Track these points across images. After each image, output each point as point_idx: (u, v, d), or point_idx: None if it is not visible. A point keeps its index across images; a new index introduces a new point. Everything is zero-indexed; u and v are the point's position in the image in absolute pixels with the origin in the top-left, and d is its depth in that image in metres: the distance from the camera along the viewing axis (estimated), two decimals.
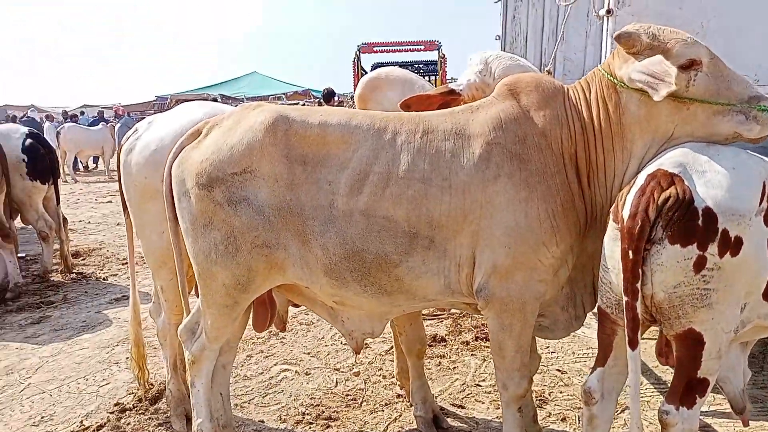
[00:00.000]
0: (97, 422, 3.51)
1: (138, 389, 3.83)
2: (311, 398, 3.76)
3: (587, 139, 2.48)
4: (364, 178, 2.42)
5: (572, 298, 2.69)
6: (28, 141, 6.12)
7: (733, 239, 1.91)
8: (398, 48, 17.10)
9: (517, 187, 2.38)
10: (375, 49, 16.95)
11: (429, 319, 4.96)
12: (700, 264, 1.93)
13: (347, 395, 3.78)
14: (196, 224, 2.54)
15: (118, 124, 16.74)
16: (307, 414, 3.57)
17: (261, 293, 2.72)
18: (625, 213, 2.03)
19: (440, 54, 16.83)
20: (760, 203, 1.97)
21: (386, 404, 3.66)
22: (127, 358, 4.44)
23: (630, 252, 1.97)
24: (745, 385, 2.37)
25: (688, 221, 1.92)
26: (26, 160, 6.00)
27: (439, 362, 4.19)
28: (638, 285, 1.97)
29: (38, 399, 3.87)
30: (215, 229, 2.50)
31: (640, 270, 1.97)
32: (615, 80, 2.41)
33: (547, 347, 4.33)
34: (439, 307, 4.41)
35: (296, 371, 4.14)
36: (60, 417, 3.63)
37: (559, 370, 4.00)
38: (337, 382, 3.96)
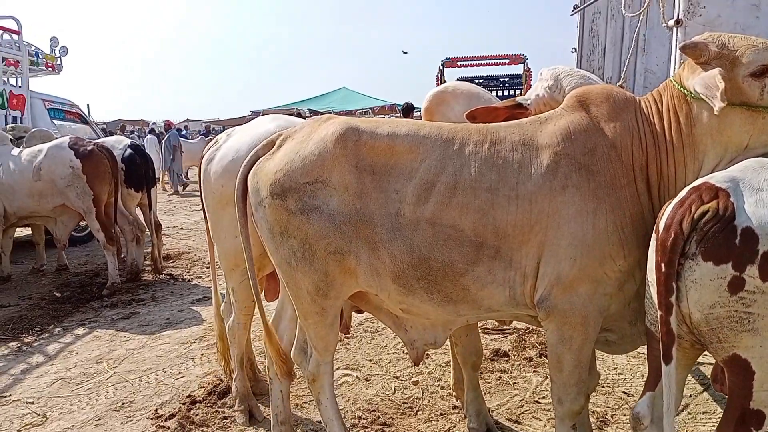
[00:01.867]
0: (169, 411, 3.76)
1: (208, 383, 4.08)
2: (369, 403, 3.83)
3: (659, 150, 2.43)
4: (431, 188, 2.46)
5: (641, 313, 2.62)
6: (128, 152, 6.70)
7: None
8: (482, 62, 17.06)
9: (585, 198, 2.36)
10: (459, 63, 17.01)
11: (493, 334, 4.92)
12: (736, 285, 1.82)
13: (404, 403, 3.83)
14: (273, 233, 2.62)
15: (166, 137, 17.78)
16: (363, 418, 3.64)
17: (344, 299, 2.76)
18: (661, 224, 1.97)
19: (525, 67, 16.63)
20: None
21: (441, 414, 3.67)
22: (202, 354, 4.74)
23: (663, 265, 1.91)
24: None
25: (724, 238, 1.83)
26: (124, 168, 6.55)
27: (500, 377, 4.14)
28: (672, 299, 1.89)
29: (121, 387, 4.21)
30: (291, 237, 2.58)
31: (674, 284, 1.89)
32: (685, 91, 2.35)
33: (615, 368, 4.18)
34: (503, 319, 4.37)
35: (357, 377, 4.23)
36: (138, 404, 3.93)
37: (624, 392, 3.84)
38: (395, 390, 4.02)
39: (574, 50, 5.43)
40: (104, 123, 28.17)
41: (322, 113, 25.95)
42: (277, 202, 2.58)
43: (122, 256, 7.84)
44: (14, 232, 6.94)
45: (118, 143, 6.78)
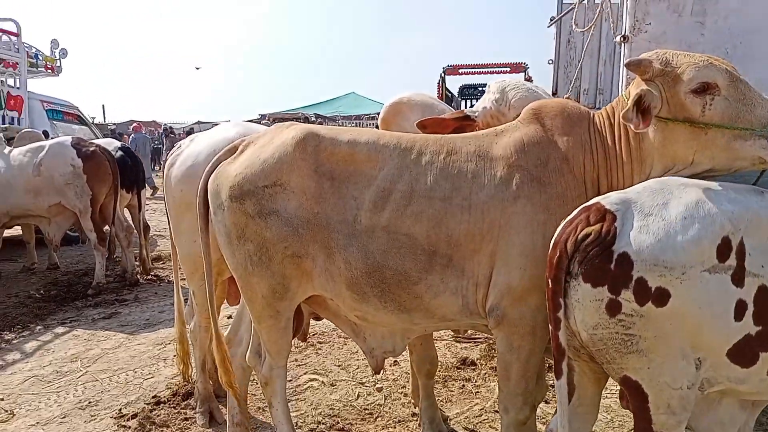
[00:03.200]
0: (133, 411, 3.82)
1: (175, 384, 4.14)
2: (330, 409, 3.87)
3: (609, 165, 2.48)
4: (387, 196, 2.50)
5: None
6: (119, 154, 6.80)
7: (653, 290, 1.79)
8: (484, 70, 17.08)
9: (537, 210, 2.40)
10: (460, 71, 17.03)
11: (464, 342, 4.94)
12: (613, 307, 1.83)
13: (365, 409, 3.86)
14: (231, 236, 2.66)
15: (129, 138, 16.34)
16: (323, 423, 3.68)
17: (299, 301, 2.79)
18: (552, 241, 1.99)
19: (526, 76, 16.62)
20: (721, 260, 1.81)
21: (400, 421, 3.70)
22: (174, 355, 4.80)
23: (550, 281, 1.93)
24: None
25: (601, 262, 1.84)
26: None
27: (463, 385, 4.17)
28: (560, 315, 1.91)
29: (90, 386, 4.28)
30: (248, 241, 2.61)
31: (561, 300, 1.91)
32: None
33: None
34: (461, 328, 4.40)
35: (323, 381, 4.27)
36: (104, 403, 3.99)
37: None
38: (358, 396, 4.05)
39: (550, 62, 5.47)
40: (115, 124, 28.42)
41: (329, 118, 26.02)
42: (236, 206, 2.61)
43: (115, 256, 7.96)
44: (3, 232, 7.04)
45: (109, 145, 6.89)
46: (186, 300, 3.96)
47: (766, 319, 1.82)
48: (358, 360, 4.66)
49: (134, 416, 3.74)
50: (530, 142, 2.51)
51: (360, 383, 4.25)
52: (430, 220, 2.46)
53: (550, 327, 1.95)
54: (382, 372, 4.36)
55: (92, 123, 11.31)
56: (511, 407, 2.57)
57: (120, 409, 3.87)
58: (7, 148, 6.59)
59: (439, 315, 2.60)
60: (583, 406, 2.19)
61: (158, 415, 3.76)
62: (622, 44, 2.88)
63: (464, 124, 3.11)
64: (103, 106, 33.50)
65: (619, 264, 1.81)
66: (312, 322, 3.55)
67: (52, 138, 7.54)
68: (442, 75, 16.98)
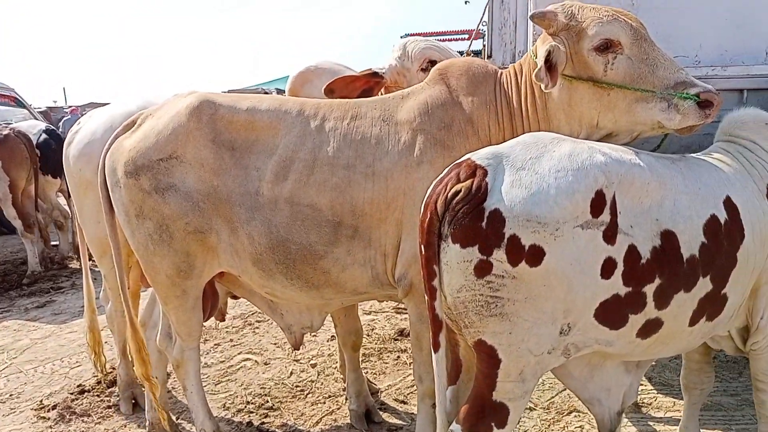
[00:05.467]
0: (54, 402, 3.68)
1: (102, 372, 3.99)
2: (262, 388, 3.78)
3: (515, 126, 2.39)
4: (289, 165, 2.38)
5: None
6: (43, 137, 6.48)
7: (527, 248, 1.68)
8: (441, 38, 16.83)
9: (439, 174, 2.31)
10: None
11: (405, 313, 4.89)
12: (482, 269, 1.71)
13: (296, 386, 3.78)
14: (129, 215, 2.53)
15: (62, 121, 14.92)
16: (252, 403, 3.60)
17: (207, 279, 2.68)
18: (423, 202, 1.88)
19: (484, 43, 16.44)
20: (595, 215, 1.72)
21: (330, 396, 3.64)
22: (105, 342, 4.63)
23: (422, 247, 1.81)
24: (623, 407, 2.11)
25: (471, 220, 1.71)
26: (39, 155, 6.35)
27: (398, 356, 4.12)
28: (435, 283, 1.80)
29: (14, 377, 4.11)
30: (147, 219, 2.48)
31: (434, 267, 1.79)
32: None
33: None
34: (379, 300, 4.34)
35: (257, 361, 4.18)
36: (27, 395, 3.84)
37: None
38: (291, 373, 3.97)
39: (484, 24, 5.32)
40: (76, 106, 27.41)
41: None
42: (131, 182, 2.48)
43: (55, 243, 7.68)
44: None
45: (32, 128, 6.56)
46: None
47: (636, 280, 1.76)
48: None
49: (54, 407, 3.61)
50: (434, 104, 2.42)
51: (295, 360, 4.17)
52: (333, 190, 2.35)
53: (426, 297, 1.85)
54: (318, 347, 4.34)
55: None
56: (425, 377, 2.51)
57: (41, 401, 3.73)
58: None
59: (350, 288, 2.51)
60: (473, 381, 2.10)
61: (80, 405, 3.63)
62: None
63: (373, 82, 3.02)
64: (64, 88, 32.23)
65: (490, 221, 1.70)
66: None
67: None
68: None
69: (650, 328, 1.84)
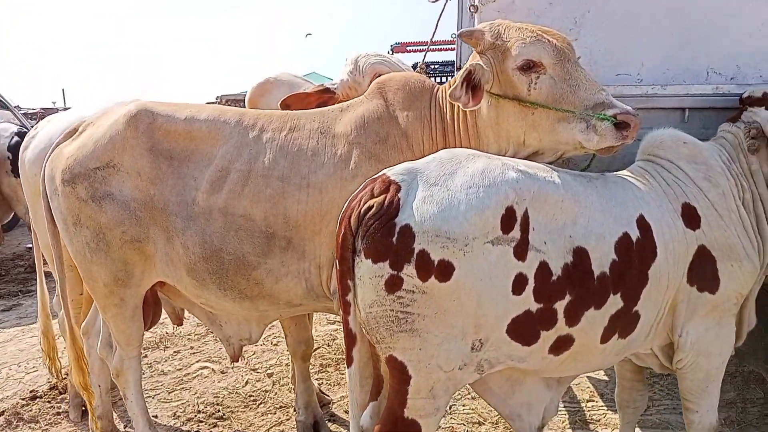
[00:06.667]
0: (3, 407, 3.65)
1: (56, 378, 3.96)
2: (215, 397, 3.76)
3: (448, 141, 2.39)
4: (225, 175, 2.39)
5: None
6: (14, 140, 6.45)
7: (436, 263, 1.69)
8: (432, 47, 16.89)
9: None
10: (408, 48, 16.85)
11: None
12: (393, 284, 1.72)
13: (250, 396, 3.77)
14: (67, 222, 2.53)
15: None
16: (202, 413, 3.58)
17: (146, 288, 2.67)
18: (339, 217, 1.89)
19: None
20: (505, 231, 1.73)
21: (281, 407, 3.62)
22: (65, 347, 4.61)
23: (337, 261, 1.82)
24: (543, 423, 2.11)
25: (382, 235, 1.72)
26: (11, 157, 6.32)
27: None
28: (349, 298, 1.81)
29: None
30: (84, 227, 2.49)
31: (349, 282, 1.80)
32: None
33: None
34: (315, 311, 4.34)
35: (213, 369, 4.16)
36: None
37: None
38: (246, 382, 3.95)
39: (453, 36, 5.33)
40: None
41: None
42: (68, 190, 2.48)
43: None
44: None
45: (4, 131, 6.53)
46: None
47: (547, 297, 1.76)
48: (257, 346, 4.55)
49: (2, 412, 3.58)
50: (371, 118, 2.43)
51: (252, 369, 4.15)
52: (267, 201, 2.35)
53: (340, 312, 1.85)
54: (277, 357, 4.32)
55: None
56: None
57: None
58: None
59: (284, 300, 2.50)
60: None
61: (29, 411, 3.61)
62: (473, 14, 2.79)
63: (326, 97, 3.04)
64: (63, 90, 32.30)
65: (400, 237, 1.71)
66: None
67: None
68: (390, 53, 16.76)
69: (562, 344, 1.84)
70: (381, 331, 1.77)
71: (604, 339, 1.88)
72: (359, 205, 1.78)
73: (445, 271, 1.69)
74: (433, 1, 3.45)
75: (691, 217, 1.96)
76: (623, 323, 1.89)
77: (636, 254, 1.85)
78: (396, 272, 1.71)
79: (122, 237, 2.46)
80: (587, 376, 3.77)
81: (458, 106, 2.38)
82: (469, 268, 1.70)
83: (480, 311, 1.74)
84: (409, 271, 1.70)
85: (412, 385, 1.78)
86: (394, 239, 1.71)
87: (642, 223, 1.88)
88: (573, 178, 1.90)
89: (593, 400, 3.55)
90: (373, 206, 1.75)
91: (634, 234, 1.86)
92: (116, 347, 2.83)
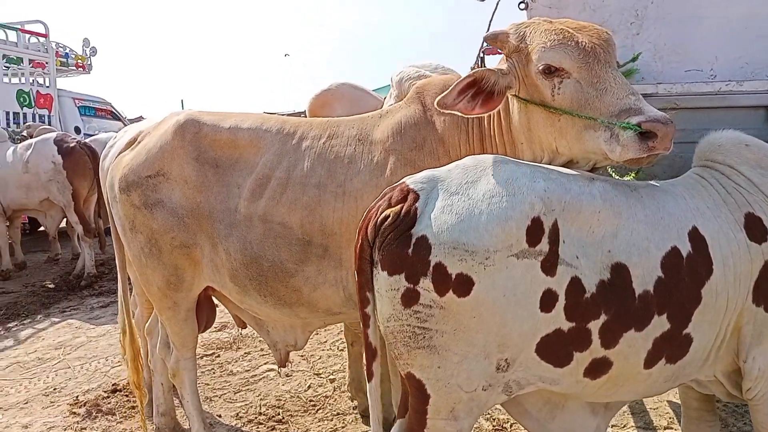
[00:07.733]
0: (88, 399, 3.93)
1: None
2: (277, 400, 3.83)
3: (485, 147, 2.30)
4: (265, 183, 2.44)
5: None
6: None
7: (454, 277, 1.58)
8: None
9: None
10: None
11: None
12: (410, 298, 1.62)
13: (310, 401, 3.80)
14: (125, 229, 2.69)
15: None
16: (263, 414, 3.65)
17: (197, 292, 2.76)
18: (358, 227, 1.80)
19: None
20: (531, 244, 1.59)
21: (338, 414, 3.61)
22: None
23: (356, 273, 1.74)
24: None
25: (398, 247, 1.63)
26: None
27: None
28: (368, 311, 1.72)
29: (62, 372, 4.44)
30: (139, 233, 2.63)
31: (367, 294, 1.72)
32: None
33: None
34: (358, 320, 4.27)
35: (279, 372, 4.24)
36: (68, 390, 4.13)
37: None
38: (309, 387, 4.00)
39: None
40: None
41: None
42: (125, 197, 2.64)
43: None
44: (20, 223, 7.45)
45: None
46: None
47: (579, 315, 1.60)
48: (322, 351, 4.61)
49: (86, 404, 3.84)
50: (408, 123, 2.39)
51: (316, 374, 4.19)
52: (304, 209, 2.37)
53: (361, 325, 1.80)
54: (342, 362, 4.34)
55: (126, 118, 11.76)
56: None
57: (77, 396, 3.99)
58: (11, 146, 6.97)
59: (323, 308, 2.50)
60: None
61: (108, 403, 3.85)
62: (525, 12, 2.64)
63: None
64: (182, 101, 34.65)
65: (417, 249, 1.62)
66: None
67: (84, 134, 7.86)
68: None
69: (598, 367, 1.68)
70: (399, 347, 1.69)
71: (649, 364, 1.69)
72: (377, 214, 1.72)
73: (463, 285, 1.59)
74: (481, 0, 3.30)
75: (755, 228, 1.71)
76: (671, 347, 1.68)
77: (687, 271, 1.64)
78: (412, 285, 1.62)
79: (172, 242, 2.56)
80: (666, 401, 3.47)
81: (494, 111, 2.25)
82: (491, 282, 1.59)
83: (504, 329, 1.62)
84: (425, 284, 1.61)
85: (431, 404, 1.69)
86: (410, 251, 1.62)
87: (695, 236, 1.67)
88: (613, 187, 1.72)
89: (671, 428, 3.25)
90: (389, 216, 1.67)
91: (685, 248, 1.66)
92: (172, 348, 2.95)
